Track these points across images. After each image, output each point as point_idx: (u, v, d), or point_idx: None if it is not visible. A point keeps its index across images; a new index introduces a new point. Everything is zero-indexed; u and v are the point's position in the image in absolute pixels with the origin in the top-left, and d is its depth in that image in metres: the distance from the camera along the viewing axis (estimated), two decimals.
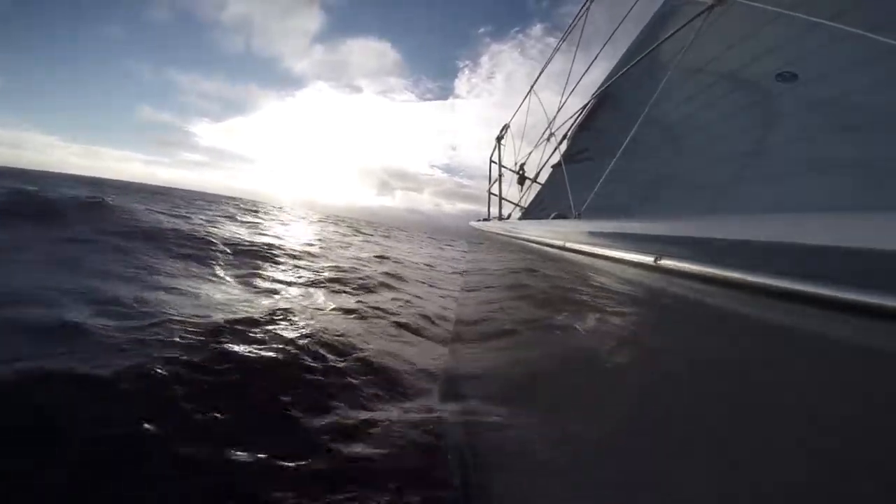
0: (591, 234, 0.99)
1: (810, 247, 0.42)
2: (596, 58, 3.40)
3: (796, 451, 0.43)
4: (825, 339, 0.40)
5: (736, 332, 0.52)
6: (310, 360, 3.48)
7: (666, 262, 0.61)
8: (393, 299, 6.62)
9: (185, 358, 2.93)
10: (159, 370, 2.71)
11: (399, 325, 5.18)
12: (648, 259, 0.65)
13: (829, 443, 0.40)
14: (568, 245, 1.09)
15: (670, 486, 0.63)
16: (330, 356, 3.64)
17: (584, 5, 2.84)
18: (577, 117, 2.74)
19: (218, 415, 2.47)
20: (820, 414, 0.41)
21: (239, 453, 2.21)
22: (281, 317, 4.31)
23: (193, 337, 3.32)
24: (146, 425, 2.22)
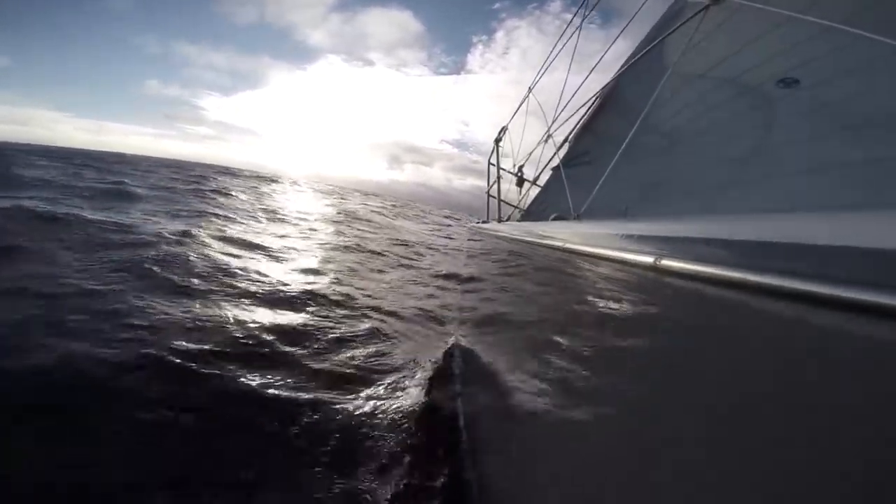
0: (591, 235, 0.99)
1: (810, 247, 0.42)
2: (599, 62, 3.41)
3: (797, 452, 0.43)
4: (825, 339, 0.40)
5: (736, 332, 0.52)
6: None
7: (666, 263, 0.61)
8: None
9: None
10: None
11: None
12: (648, 259, 0.65)
13: (829, 443, 0.40)
14: (567, 246, 1.09)
15: (669, 486, 0.63)
16: None
17: (580, 6, 2.85)
18: (578, 119, 2.75)
19: None
20: (820, 414, 0.41)
21: None
22: None
23: None
24: None
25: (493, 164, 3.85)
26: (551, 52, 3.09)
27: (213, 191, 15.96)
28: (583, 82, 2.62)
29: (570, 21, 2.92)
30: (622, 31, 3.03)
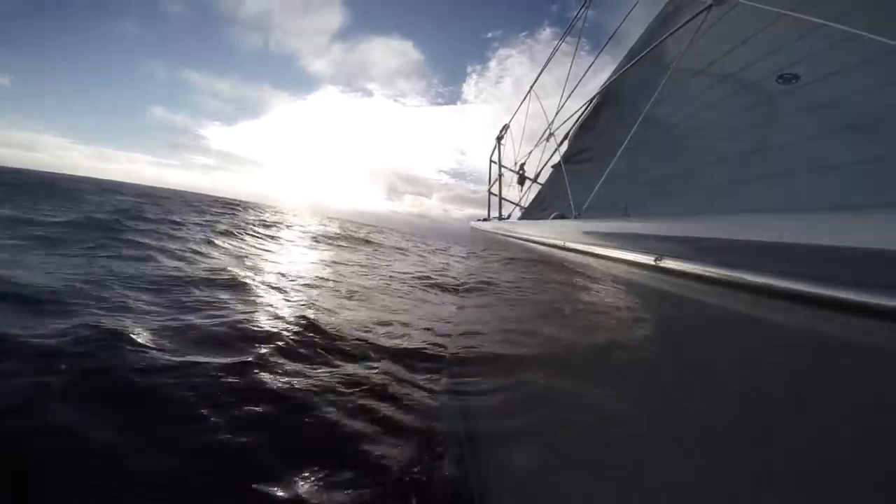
0: (591, 234, 0.99)
1: (810, 247, 0.42)
2: (596, 58, 3.40)
3: (796, 452, 0.43)
4: (825, 339, 0.40)
5: (736, 332, 0.52)
6: None
7: (666, 262, 0.61)
8: None
9: None
10: None
11: None
12: (648, 259, 0.65)
13: (829, 443, 0.40)
14: (568, 245, 1.08)
15: (668, 485, 0.63)
16: None
17: (582, 6, 2.85)
18: (578, 117, 2.74)
19: None
20: (820, 414, 0.41)
21: None
22: None
23: None
24: None
25: (495, 162, 3.84)
26: (553, 50, 3.09)
27: None
28: (582, 76, 2.62)
29: (573, 20, 2.91)
30: (619, 26, 3.02)
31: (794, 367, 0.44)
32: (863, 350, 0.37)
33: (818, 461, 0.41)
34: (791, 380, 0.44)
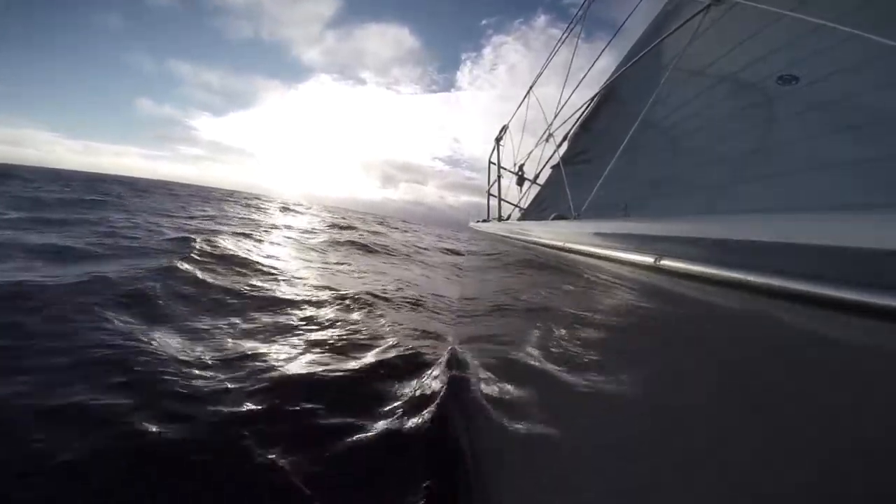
0: (591, 234, 0.99)
1: (810, 247, 0.42)
2: (596, 59, 3.40)
3: (796, 452, 0.43)
4: (825, 339, 0.40)
5: (736, 332, 0.52)
6: None
7: (666, 263, 0.61)
8: None
9: None
10: None
11: None
12: (648, 259, 0.65)
13: (829, 443, 0.40)
14: (568, 246, 1.08)
15: (668, 486, 0.63)
16: None
17: (582, 6, 2.85)
18: (577, 118, 2.74)
19: None
20: (820, 414, 0.41)
21: None
22: None
23: None
24: None
25: (494, 163, 3.84)
26: (553, 50, 3.09)
27: None
28: (583, 78, 2.62)
29: (573, 19, 2.92)
30: (620, 27, 3.03)
31: (795, 367, 0.44)
32: (863, 350, 0.37)
33: (818, 461, 0.41)
34: (791, 379, 0.44)
